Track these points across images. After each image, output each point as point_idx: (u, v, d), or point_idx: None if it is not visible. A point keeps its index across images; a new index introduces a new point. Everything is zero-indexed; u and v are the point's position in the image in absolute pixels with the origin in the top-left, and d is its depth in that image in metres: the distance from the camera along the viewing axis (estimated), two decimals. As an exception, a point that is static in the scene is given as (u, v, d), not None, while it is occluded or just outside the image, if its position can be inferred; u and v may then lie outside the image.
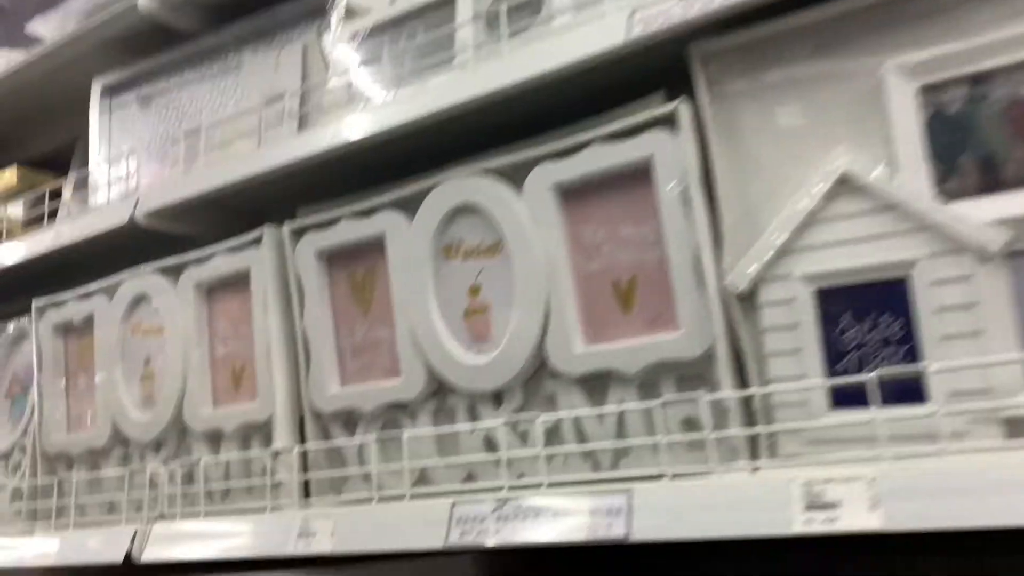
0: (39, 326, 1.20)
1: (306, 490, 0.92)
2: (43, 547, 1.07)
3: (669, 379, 0.72)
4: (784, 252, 0.67)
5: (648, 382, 0.73)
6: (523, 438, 0.79)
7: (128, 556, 0.98)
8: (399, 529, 0.78)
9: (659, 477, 0.68)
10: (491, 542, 0.72)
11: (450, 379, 0.83)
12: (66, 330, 1.18)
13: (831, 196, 0.65)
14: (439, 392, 0.86)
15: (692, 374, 0.71)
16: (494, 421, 0.79)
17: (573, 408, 0.77)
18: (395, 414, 0.88)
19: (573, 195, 0.78)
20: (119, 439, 1.10)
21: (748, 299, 0.68)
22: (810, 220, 0.66)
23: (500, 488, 0.76)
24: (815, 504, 0.58)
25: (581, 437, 0.76)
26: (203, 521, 0.94)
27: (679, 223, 0.71)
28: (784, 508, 0.59)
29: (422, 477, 0.85)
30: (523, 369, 0.79)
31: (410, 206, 0.87)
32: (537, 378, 0.79)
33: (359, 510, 0.83)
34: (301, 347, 0.94)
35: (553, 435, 0.77)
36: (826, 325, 0.65)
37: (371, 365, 0.90)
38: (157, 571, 0.97)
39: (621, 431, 0.74)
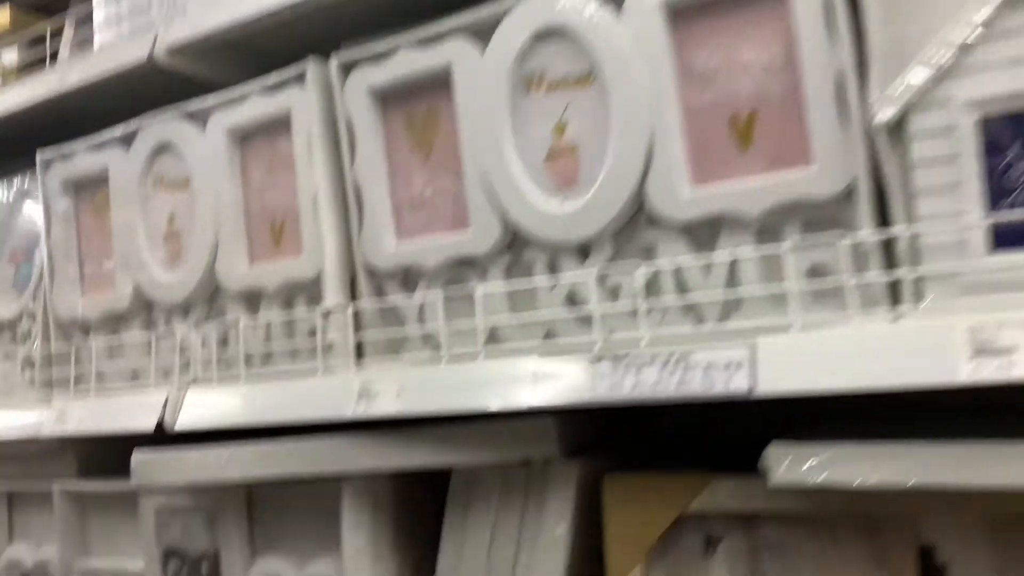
0: (46, 181, 1.10)
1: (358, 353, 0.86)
2: (63, 416, 1.01)
3: (794, 223, 0.65)
4: (945, 74, 0.59)
5: (767, 228, 0.66)
6: (613, 294, 0.73)
7: (160, 424, 0.92)
8: (476, 387, 0.72)
9: (785, 328, 0.62)
10: (588, 398, 0.66)
11: (529, 230, 0.76)
12: (77, 185, 1.09)
13: (1008, 4, 0.57)
14: (514, 245, 0.78)
15: (822, 217, 0.64)
16: (584, 273, 0.72)
17: (674, 259, 0.70)
18: (461, 271, 0.81)
19: (684, 15, 0.69)
20: (142, 302, 1.02)
21: (896, 129, 0.61)
22: (979, 35, 0.58)
23: (591, 345, 0.70)
24: (985, 350, 0.53)
25: (682, 292, 0.70)
26: (244, 386, 0.89)
27: (817, 44, 0.63)
28: (946, 355, 0.53)
29: (491, 337, 0.79)
30: (617, 217, 0.71)
31: (482, 33, 0.78)
32: (632, 227, 0.72)
33: (428, 369, 0.77)
34: (352, 198, 0.86)
35: (649, 289, 0.71)
36: (990, 157, 0.58)
37: (433, 217, 0.83)
38: (187, 440, 0.92)
39: (731, 283, 0.68)
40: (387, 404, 0.77)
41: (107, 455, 1.10)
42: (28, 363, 1.12)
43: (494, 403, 0.71)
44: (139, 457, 0.91)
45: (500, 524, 0.79)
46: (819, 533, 0.65)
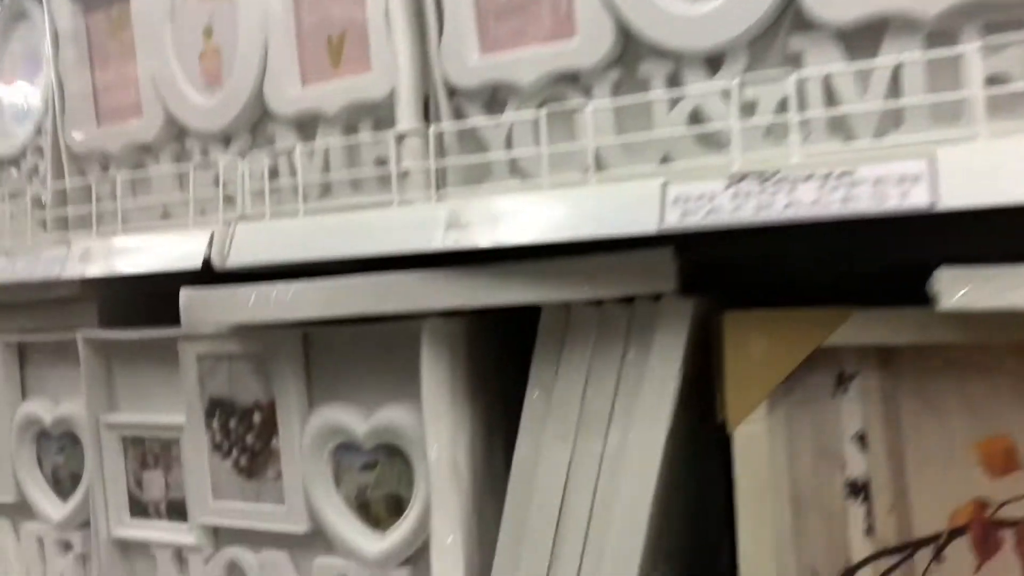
0: (51, -9, 0.99)
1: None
2: (89, 256, 0.94)
3: (973, 25, 0.59)
4: None
5: (939, 32, 0.60)
6: (747, 110, 0.67)
7: (207, 262, 0.85)
8: (589, 212, 0.67)
9: (963, 140, 0.57)
10: (729, 221, 0.61)
11: (649, 37, 0.68)
12: (88, -5, 0.98)
13: None
14: (626, 57, 0.71)
15: (1008, 18, 0.58)
16: (718, 84, 0.66)
17: (826, 67, 0.64)
18: (560, 89, 0.74)
19: None
20: (174, 131, 0.94)
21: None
22: None
23: (721, 168, 0.65)
24: None
25: (831, 105, 0.64)
26: (306, 219, 0.82)
27: None
28: None
29: (595, 163, 0.72)
30: (760, 20, 0.64)
31: None
32: (773, 33, 0.65)
33: (528, 196, 0.71)
34: (430, 5, 0.77)
35: (789, 105, 0.64)
36: None
37: (527, 25, 0.75)
38: (230, 279, 0.85)
39: (891, 95, 0.62)
40: (481, 234, 0.71)
41: (130, 303, 1.04)
42: (38, 202, 1.03)
43: (613, 229, 0.65)
44: (189, 295, 0.84)
45: (596, 366, 0.75)
46: (971, 368, 0.62)
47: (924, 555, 0.64)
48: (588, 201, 0.67)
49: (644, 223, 0.64)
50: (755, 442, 0.68)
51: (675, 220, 0.63)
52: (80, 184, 0.99)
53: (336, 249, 0.77)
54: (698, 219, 0.62)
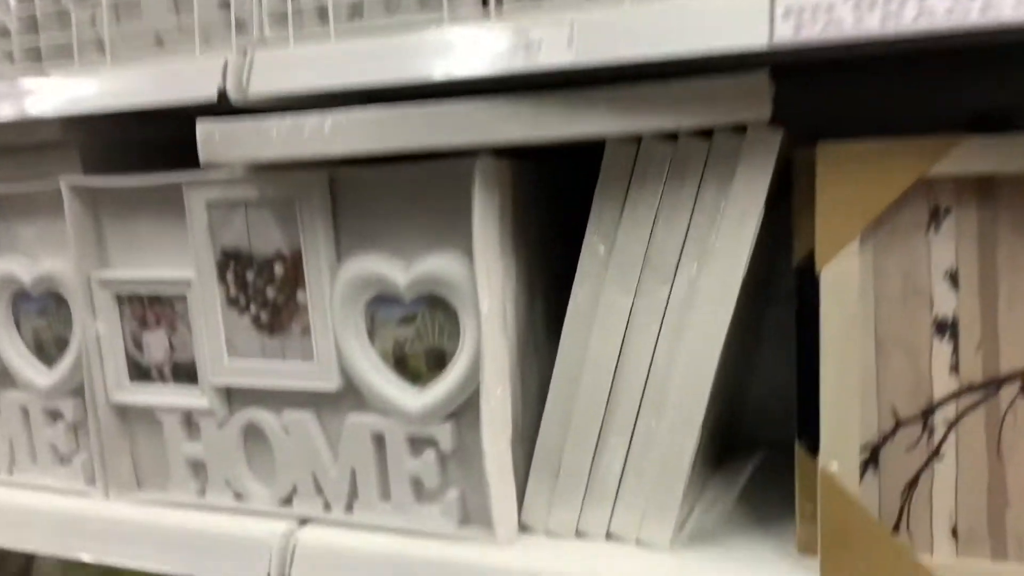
0: None
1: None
2: (70, 90, 0.83)
3: None
4: None
5: None
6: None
7: (222, 94, 0.77)
8: (682, 28, 0.61)
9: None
10: (852, 34, 0.56)
11: None
12: None
13: None
14: None
15: None
16: None
17: None
18: None
19: None
20: (167, -56, 0.82)
21: None
22: None
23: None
24: None
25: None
26: (338, 44, 0.73)
27: None
28: None
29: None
30: None
31: None
32: None
33: (611, 10, 0.64)
34: None
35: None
36: None
37: None
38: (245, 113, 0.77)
39: None
40: (556, 54, 0.65)
41: (117, 148, 0.95)
42: (2, 31, 0.91)
43: (716, 44, 0.60)
44: (208, 128, 0.76)
45: (666, 208, 0.71)
46: (1080, 198, 0.61)
47: (1009, 391, 0.64)
48: (685, 13, 0.61)
49: (752, 38, 0.58)
50: (844, 280, 0.65)
51: (788, 34, 0.58)
52: (53, 9, 0.87)
53: (381, 75, 0.69)
54: (815, 33, 0.57)
